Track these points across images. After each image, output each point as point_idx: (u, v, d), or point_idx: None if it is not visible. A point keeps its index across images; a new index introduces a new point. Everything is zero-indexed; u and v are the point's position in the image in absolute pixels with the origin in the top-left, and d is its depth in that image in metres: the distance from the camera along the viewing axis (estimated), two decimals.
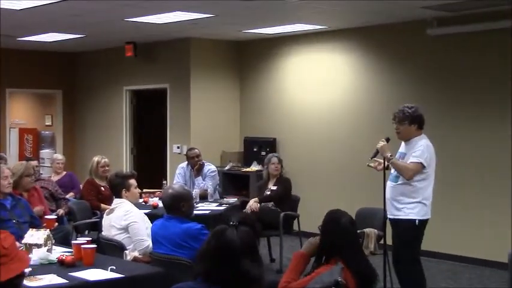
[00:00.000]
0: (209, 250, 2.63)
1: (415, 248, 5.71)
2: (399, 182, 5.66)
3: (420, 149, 5.62)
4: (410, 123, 5.66)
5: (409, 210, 5.63)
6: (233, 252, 2.58)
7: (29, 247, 4.63)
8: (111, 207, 5.60)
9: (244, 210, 7.70)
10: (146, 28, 9.23)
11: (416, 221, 5.64)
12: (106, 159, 8.16)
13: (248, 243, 2.61)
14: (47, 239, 4.71)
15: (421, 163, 5.59)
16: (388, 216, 5.78)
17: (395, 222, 5.74)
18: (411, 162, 5.61)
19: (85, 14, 8.21)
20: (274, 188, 7.84)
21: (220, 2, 7.44)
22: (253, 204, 7.64)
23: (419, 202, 5.63)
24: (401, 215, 5.66)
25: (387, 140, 5.76)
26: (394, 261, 5.84)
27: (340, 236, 3.66)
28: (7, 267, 2.22)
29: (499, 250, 7.28)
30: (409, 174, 5.58)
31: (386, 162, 5.73)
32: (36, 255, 4.51)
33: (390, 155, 5.65)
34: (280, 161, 7.98)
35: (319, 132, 9.76)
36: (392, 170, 5.75)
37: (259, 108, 10.69)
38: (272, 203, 7.74)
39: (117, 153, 11.69)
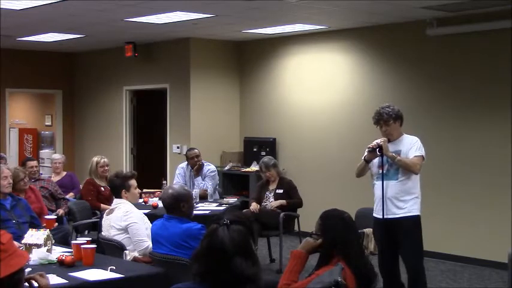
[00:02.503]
0: (202, 250, 2.64)
1: (422, 243, 5.71)
2: (401, 178, 5.62)
3: (418, 143, 5.68)
4: (395, 120, 5.70)
5: (412, 207, 5.64)
6: (224, 251, 2.57)
7: (29, 247, 4.63)
8: (110, 207, 5.60)
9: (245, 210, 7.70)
10: (146, 28, 9.23)
11: (420, 216, 5.69)
12: (105, 159, 8.16)
13: (240, 242, 2.60)
14: (47, 239, 4.71)
15: (422, 156, 5.66)
16: (387, 216, 5.65)
17: (397, 222, 5.63)
18: (414, 156, 5.63)
19: (85, 14, 8.21)
20: (280, 191, 7.79)
21: (220, 2, 7.44)
22: (254, 205, 7.64)
23: (417, 197, 5.69)
24: (405, 213, 5.61)
25: (389, 140, 5.75)
26: (385, 264, 5.70)
27: (344, 231, 3.65)
28: (6, 262, 2.22)
29: (499, 250, 7.28)
30: (418, 167, 5.61)
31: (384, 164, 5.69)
32: (36, 255, 4.51)
33: (395, 155, 5.61)
34: (273, 166, 7.89)
35: (319, 132, 9.76)
36: (385, 169, 5.66)
37: (259, 108, 10.69)
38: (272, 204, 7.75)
39: (117, 153, 11.69)
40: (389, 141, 5.71)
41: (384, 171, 5.64)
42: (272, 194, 7.83)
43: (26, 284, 2.66)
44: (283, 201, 7.64)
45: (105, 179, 7.95)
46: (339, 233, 3.65)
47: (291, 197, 7.76)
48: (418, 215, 5.68)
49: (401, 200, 5.63)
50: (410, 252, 5.66)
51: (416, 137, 5.74)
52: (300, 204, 7.79)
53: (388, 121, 5.68)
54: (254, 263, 2.60)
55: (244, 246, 2.60)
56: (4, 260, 2.22)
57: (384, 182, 5.63)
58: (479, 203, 8.02)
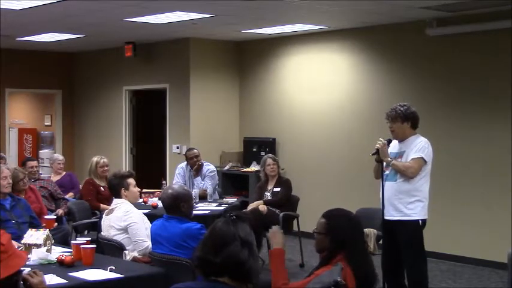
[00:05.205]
0: (204, 239, 2.64)
1: (422, 248, 5.64)
2: (399, 180, 5.59)
3: (421, 144, 5.59)
4: (403, 121, 5.63)
5: (410, 210, 5.56)
6: (224, 236, 2.57)
7: (29, 247, 4.63)
8: (110, 207, 5.60)
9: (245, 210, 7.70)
10: (146, 28, 9.23)
11: (420, 221, 5.58)
12: (105, 159, 8.15)
13: (245, 234, 2.59)
14: (47, 239, 4.71)
15: (422, 158, 5.55)
16: (386, 217, 5.62)
17: (396, 225, 5.61)
18: (412, 158, 5.56)
19: (85, 14, 8.21)
20: (277, 189, 7.82)
21: (220, 2, 7.43)
22: (262, 207, 7.62)
23: (419, 201, 5.57)
24: (403, 217, 5.56)
25: (389, 142, 5.72)
26: (387, 264, 5.69)
27: (352, 230, 3.64)
28: (6, 263, 2.22)
29: (499, 250, 7.28)
30: (411, 171, 5.52)
31: (386, 165, 5.67)
32: (35, 256, 4.51)
33: (390, 159, 5.61)
34: (275, 161, 7.97)
35: (319, 133, 9.76)
36: (388, 170, 5.66)
37: (258, 108, 10.68)
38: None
39: (116, 153, 11.68)
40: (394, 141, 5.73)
41: (388, 172, 5.65)
42: (270, 193, 7.84)
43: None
44: (264, 207, 7.62)
45: (104, 179, 7.94)
46: (347, 232, 3.62)
47: (281, 194, 7.77)
48: (417, 220, 5.57)
49: (400, 201, 5.58)
50: (409, 258, 5.61)
51: (423, 138, 5.65)
52: (283, 199, 7.75)
53: (394, 119, 5.65)
54: (252, 253, 2.58)
55: (246, 239, 2.59)
56: (4, 261, 2.22)
57: (385, 183, 5.62)
58: (479, 203, 8.02)
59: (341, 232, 3.62)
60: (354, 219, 3.75)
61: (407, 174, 5.55)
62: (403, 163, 5.57)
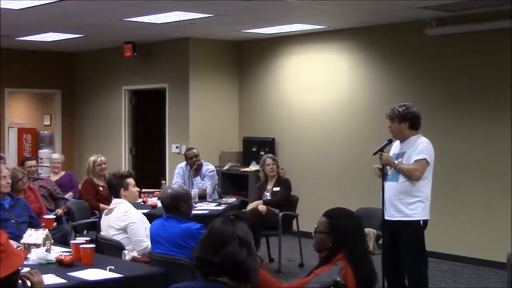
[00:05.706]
0: (202, 239, 2.63)
1: (423, 248, 5.63)
2: (400, 180, 5.59)
3: (423, 145, 5.58)
4: (400, 121, 5.63)
5: (412, 211, 5.55)
6: (223, 236, 2.55)
7: (28, 247, 4.63)
8: (109, 207, 5.59)
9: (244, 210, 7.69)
10: (145, 28, 9.22)
11: (421, 222, 5.57)
12: (102, 158, 8.15)
13: (243, 234, 2.57)
14: (46, 238, 4.71)
15: (425, 159, 5.54)
16: (387, 218, 5.63)
17: (396, 225, 5.61)
18: (415, 160, 5.55)
19: (84, 14, 8.20)
20: (277, 189, 7.82)
21: (219, 2, 7.43)
22: (261, 207, 7.62)
23: (421, 201, 5.56)
24: (403, 217, 5.56)
25: (389, 141, 5.73)
26: (387, 264, 5.68)
27: (354, 229, 3.64)
28: (5, 263, 2.21)
29: (499, 250, 7.28)
30: (416, 174, 5.52)
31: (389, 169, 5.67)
32: (34, 255, 4.50)
33: (395, 163, 5.61)
34: (275, 161, 7.97)
35: (318, 133, 9.75)
36: (390, 170, 5.69)
37: (258, 108, 10.68)
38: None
39: (116, 153, 11.68)
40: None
41: (388, 172, 5.65)
42: (269, 193, 7.84)
43: (20, 281, 2.65)
44: (263, 207, 7.63)
45: (103, 177, 7.94)
46: (349, 231, 3.61)
47: (281, 193, 7.77)
48: (419, 220, 5.56)
49: (401, 202, 5.57)
50: (409, 258, 5.60)
51: (424, 139, 5.64)
52: (283, 199, 7.76)
53: (392, 119, 5.67)
54: (251, 253, 2.57)
55: (244, 238, 2.58)
56: (2, 260, 2.21)
57: (386, 183, 5.62)
58: (479, 203, 8.01)
59: (344, 231, 3.61)
60: (356, 218, 3.75)
61: (412, 177, 5.54)
62: (408, 167, 5.55)
